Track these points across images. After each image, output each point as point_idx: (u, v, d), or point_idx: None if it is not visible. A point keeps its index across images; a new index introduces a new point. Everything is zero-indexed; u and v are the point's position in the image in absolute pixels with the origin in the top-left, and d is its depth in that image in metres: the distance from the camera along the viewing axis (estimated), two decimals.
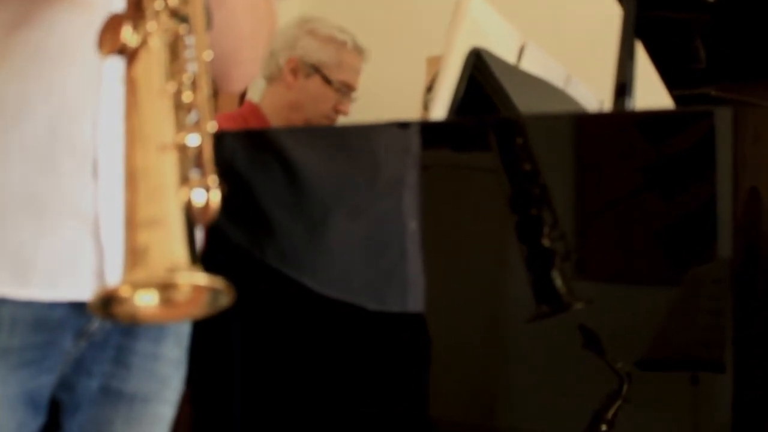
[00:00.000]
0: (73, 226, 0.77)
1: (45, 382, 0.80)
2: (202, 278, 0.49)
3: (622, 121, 1.27)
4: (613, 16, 1.53)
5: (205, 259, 1.46)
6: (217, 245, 1.38)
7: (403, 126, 1.35)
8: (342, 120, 2.24)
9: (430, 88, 2.05)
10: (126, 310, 0.51)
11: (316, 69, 2.17)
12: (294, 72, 2.18)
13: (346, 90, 2.20)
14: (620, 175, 1.18)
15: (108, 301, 0.50)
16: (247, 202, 1.36)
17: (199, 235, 0.91)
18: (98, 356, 0.83)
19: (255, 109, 2.20)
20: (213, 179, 0.53)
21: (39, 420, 0.80)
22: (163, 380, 0.88)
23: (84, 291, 0.77)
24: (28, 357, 0.77)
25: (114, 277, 0.73)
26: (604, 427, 1.13)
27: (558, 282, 1.19)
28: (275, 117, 2.18)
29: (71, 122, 0.77)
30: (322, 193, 1.35)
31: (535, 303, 1.20)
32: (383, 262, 1.32)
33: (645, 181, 1.17)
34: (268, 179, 1.36)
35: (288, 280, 1.32)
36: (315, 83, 2.18)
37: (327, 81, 2.16)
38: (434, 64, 2.16)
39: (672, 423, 1.13)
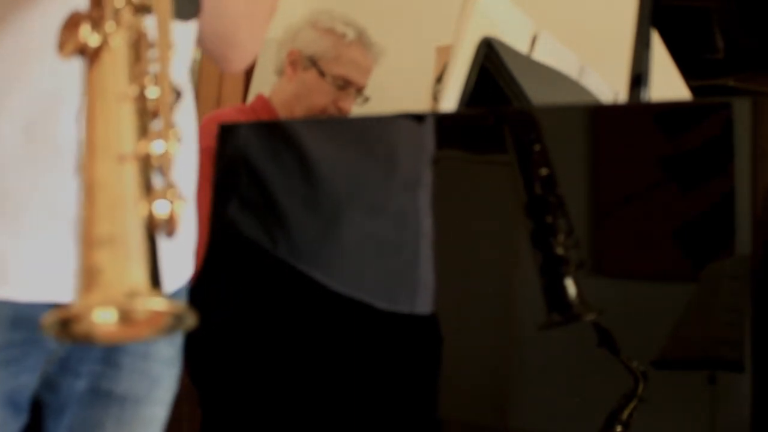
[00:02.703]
0: (52, 225, 0.75)
1: (26, 382, 0.78)
2: (160, 303, 0.47)
3: (637, 112, 1.26)
4: (629, 5, 1.51)
5: (216, 251, 1.46)
6: (229, 237, 1.38)
7: (419, 118, 1.33)
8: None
9: (439, 79, 2.03)
10: (83, 330, 0.49)
11: (312, 61, 2.14)
12: (293, 64, 2.15)
13: (344, 85, 2.15)
14: (635, 169, 1.17)
15: (64, 323, 0.48)
16: (260, 194, 1.36)
17: (192, 240, 0.91)
18: (85, 356, 0.82)
19: (266, 103, 2.19)
20: (175, 189, 0.51)
21: (20, 420, 0.79)
22: (155, 380, 0.86)
23: (64, 293, 0.75)
24: (7, 355, 0.76)
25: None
26: (619, 428, 1.12)
27: (570, 291, 1.17)
28: (282, 110, 2.17)
29: (51, 119, 0.75)
30: (337, 187, 1.34)
31: (547, 311, 1.18)
32: (396, 262, 1.31)
33: (661, 175, 1.16)
34: (282, 171, 1.35)
35: (299, 274, 1.31)
36: (311, 76, 2.14)
37: (322, 74, 2.13)
38: (444, 54, 2.14)
39: (689, 423, 1.12)
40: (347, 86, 2.15)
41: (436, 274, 1.28)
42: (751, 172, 1.09)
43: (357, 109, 2.19)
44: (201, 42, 0.92)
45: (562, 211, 1.19)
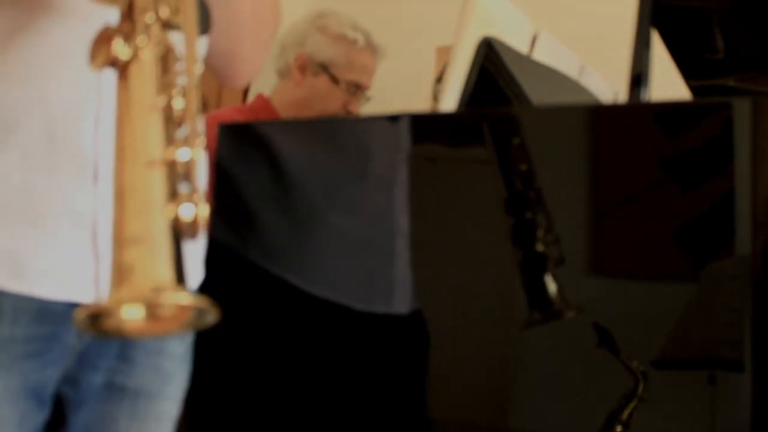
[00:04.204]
0: (71, 229, 0.78)
1: (50, 376, 0.80)
2: (185, 298, 0.51)
3: (637, 112, 1.26)
4: (629, 5, 1.51)
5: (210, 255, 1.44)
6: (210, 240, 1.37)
7: (393, 119, 1.33)
8: None
9: (439, 79, 2.03)
10: (113, 325, 0.52)
11: (324, 68, 2.13)
12: (302, 69, 2.15)
13: (355, 90, 2.15)
14: (635, 169, 1.17)
15: (95, 317, 0.51)
16: (232, 197, 1.35)
17: (202, 246, 0.92)
18: (103, 350, 0.84)
19: (266, 103, 2.19)
20: (200, 193, 0.54)
21: (43, 414, 0.81)
22: (167, 376, 0.89)
23: (79, 294, 0.78)
24: (31, 349, 0.78)
25: (108, 284, 0.76)
26: (619, 428, 1.11)
27: (551, 288, 1.17)
28: (285, 113, 2.16)
29: (71, 127, 0.78)
30: (310, 188, 1.34)
31: (528, 309, 1.18)
32: (372, 262, 1.30)
33: (661, 175, 1.15)
34: (254, 173, 1.35)
35: (272, 277, 1.31)
36: (323, 82, 2.14)
37: (335, 81, 2.13)
38: (444, 54, 2.14)
39: (689, 423, 1.11)
40: (358, 91, 2.16)
41: (417, 274, 1.27)
42: (751, 172, 1.08)
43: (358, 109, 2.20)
44: (206, 58, 0.95)
45: (541, 206, 1.19)
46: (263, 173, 1.34)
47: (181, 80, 0.58)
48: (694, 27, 1.56)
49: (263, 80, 2.31)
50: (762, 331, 1.06)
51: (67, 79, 0.78)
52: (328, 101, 2.13)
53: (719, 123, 1.13)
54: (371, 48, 2.17)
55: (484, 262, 1.25)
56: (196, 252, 0.92)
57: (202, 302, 0.51)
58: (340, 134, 1.39)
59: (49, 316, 0.78)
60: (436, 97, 2.10)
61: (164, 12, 0.60)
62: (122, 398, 0.86)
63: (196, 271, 0.92)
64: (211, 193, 1.39)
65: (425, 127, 1.34)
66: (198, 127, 0.56)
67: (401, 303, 1.28)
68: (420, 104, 2.40)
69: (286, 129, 1.45)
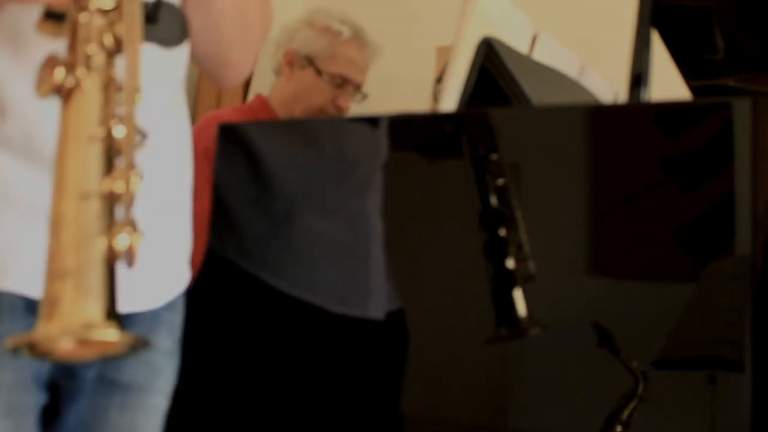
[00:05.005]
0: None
1: (43, 366, 0.82)
2: (112, 335, 0.52)
3: (637, 112, 1.26)
4: (629, 5, 1.51)
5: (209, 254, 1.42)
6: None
7: (373, 122, 1.32)
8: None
9: (440, 79, 2.02)
10: (45, 351, 0.53)
11: (309, 60, 2.14)
12: (290, 64, 2.16)
13: (341, 83, 2.15)
14: (635, 169, 1.17)
15: (31, 345, 0.53)
16: (212, 196, 1.36)
17: (187, 248, 0.93)
18: None
19: (264, 103, 2.19)
20: (134, 223, 0.55)
21: (43, 398, 0.83)
22: (157, 370, 0.90)
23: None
24: None
25: None
26: (619, 428, 1.11)
27: (519, 305, 1.18)
28: (280, 110, 2.17)
29: (46, 134, 0.77)
30: (288, 189, 1.34)
31: (495, 325, 1.19)
32: (348, 264, 1.31)
33: (661, 175, 1.15)
34: (233, 172, 1.35)
35: (247, 275, 1.31)
36: (309, 75, 2.14)
37: (318, 72, 2.13)
38: (444, 54, 2.14)
39: (689, 423, 1.11)
40: (345, 84, 2.15)
41: (393, 277, 1.28)
42: (751, 172, 1.08)
43: (356, 107, 2.19)
44: (195, 61, 0.95)
45: (514, 223, 1.19)
46: (242, 172, 1.35)
47: (121, 110, 0.59)
48: (694, 27, 1.55)
49: (263, 80, 2.31)
50: (762, 331, 1.06)
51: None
52: (314, 95, 2.13)
53: (719, 123, 1.13)
54: (359, 41, 2.17)
55: (459, 268, 1.25)
56: (180, 255, 0.93)
57: (129, 339, 0.53)
58: (320, 136, 1.39)
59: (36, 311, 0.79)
60: (436, 97, 2.10)
61: (108, 41, 0.61)
62: (113, 391, 0.87)
63: (181, 276, 0.93)
64: (211, 193, 1.38)
65: (405, 130, 1.34)
66: (134, 158, 0.57)
67: (377, 307, 1.29)
68: (420, 104, 2.40)
69: (267, 129, 1.46)
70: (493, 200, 1.21)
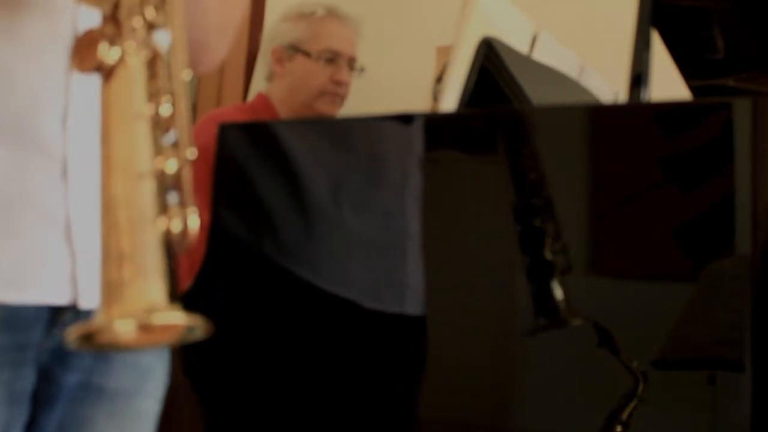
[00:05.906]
0: (42, 227, 0.75)
1: (27, 379, 0.78)
2: (177, 318, 0.51)
3: (637, 112, 1.26)
4: (629, 5, 1.51)
5: (212, 250, 1.44)
6: (218, 235, 1.38)
7: (407, 119, 1.32)
8: (347, 110, 2.22)
9: (439, 79, 2.02)
10: (105, 341, 0.51)
11: (294, 48, 2.16)
12: (279, 61, 2.18)
13: (332, 57, 2.16)
14: (635, 169, 1.17)
15: (88, 336, 0.51)
16: (248, 194, 1.36)
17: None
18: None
19: (266, 102, 2.20)
20: (191, 205, 0.53)
21: (25, 414, 0.79)
22: (145, 372, 0.86)
23: (54, 295, 0.76)
24: (6, 359, 0.75)
25: (86, 282, 0.75)
26: (619, 428, 1.11)
27: (557, 295, 1.17)
28: (282, 108, 2.18)
29: (38, 120, 0.75)
30: (322, 187, 1.34)
31: (534, 315, 1.19)
32: (383, 261, 1.31)
33: (661, 175, 1.15)
34: (268, 171, 1.35)
35: (286, 271, 1.31)
36: (299, 62, 2.16)
37: (308, 55, 2.14)
38: (444, 54, 2.14)
39: (689, 424, 1.11)
40: (336, 58, 2.16)
41: (427, 275, 1.27)
42: (751, 172, 1.08)
43: (358, 107, 2.20)
44: None
45: (550, 215, 1.19)
46: (277, 170, 1.35)
47: (169, 86, 0.56)
48: (694, 27, 1.55)
49: (263, 80, 2.32)
50: (762, 331, 1.06)
51: (35, 72, 0.75)
52: (311, 79, 2.14)
53: (719, 123, 1.13)
54: (335, 15, 2.19)
55: (491, 265, 1.25)
56: None
57: (195, 320, 0.51)
58: (353, 135, 1.39)
59: (19, 324, 0.75)
60: (436, 97, 2.10)
61: (150, 14, 0.58)
62: (100, 399, 0.83)
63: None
64: (211, 191, 1.39)
65: (438, 128, 1.34)
66: (187, 134, 0.55)
67: (413, 303, 1.28)
68: (420, 104, 2.39)
69: (301, 128, 1.46)
70: (527, 192, 1.21)
